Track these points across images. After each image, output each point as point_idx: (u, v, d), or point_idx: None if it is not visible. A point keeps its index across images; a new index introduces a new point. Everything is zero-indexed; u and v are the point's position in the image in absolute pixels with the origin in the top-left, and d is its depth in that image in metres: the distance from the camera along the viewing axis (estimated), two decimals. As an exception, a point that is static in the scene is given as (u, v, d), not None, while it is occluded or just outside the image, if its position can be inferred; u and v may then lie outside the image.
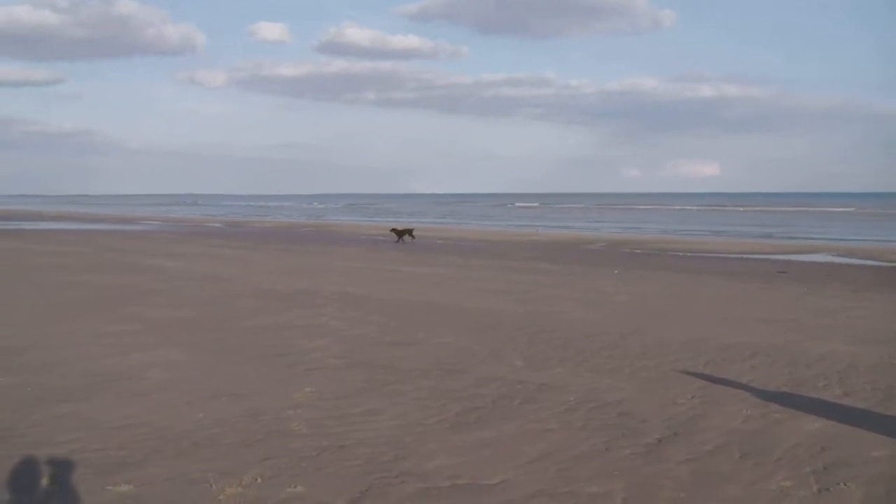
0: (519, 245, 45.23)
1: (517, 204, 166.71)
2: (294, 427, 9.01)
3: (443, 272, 27.35)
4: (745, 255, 37.94)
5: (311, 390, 10.64)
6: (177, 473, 7.50)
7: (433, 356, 12.92)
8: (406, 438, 8.64)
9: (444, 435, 8.81)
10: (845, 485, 7.32)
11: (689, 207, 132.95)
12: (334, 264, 30.51)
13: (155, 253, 35.55)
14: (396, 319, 16.56)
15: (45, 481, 7.38)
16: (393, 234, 47.11)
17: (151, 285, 22.47)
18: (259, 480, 7.31)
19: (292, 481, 7.31)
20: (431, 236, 52.62)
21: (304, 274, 26.17)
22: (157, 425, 9.05)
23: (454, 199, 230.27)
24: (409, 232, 47.03)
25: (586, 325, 15.83)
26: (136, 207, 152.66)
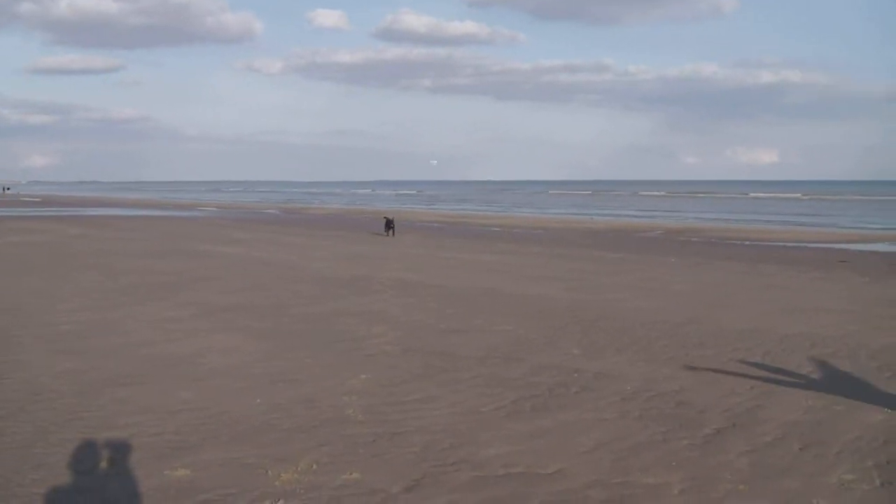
0: (575, 232, 45.04)
1: (569, 191, 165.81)
2: (350, 413, 9.03)
3: (499, 259, 27.30)
4: (804, 244, 37.45)
5: (367, 377, 10.66)
6: (233, 458, 7.55)
7: (489, 343, 12.89)
8: (461, 426, 8.63)
9: (499, 423, 8.78)
10: (908, 479, 7.19)
11: (747, 195, 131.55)
12: (390, 251, 30.59)
13: (212, 239, 35.88)
14: (453, 306, 16.56)
15: (104, 464, 7.46)
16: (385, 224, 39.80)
17: (209, 271, 22.68)
18: (315, 466, 7.34)
19: (348, 468, 7.32)
20: (487, 224, 52.57)
21: (361, 260, 26.28)
22: (214, 410, 9.12)
23: (510, 187, 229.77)
24: (391, 223, 39.41)
25: (643, 314, 15.71)
26: (193, 193, 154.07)
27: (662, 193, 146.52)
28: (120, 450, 7.75)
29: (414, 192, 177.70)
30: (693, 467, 7.46)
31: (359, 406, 9.31)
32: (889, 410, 9.25)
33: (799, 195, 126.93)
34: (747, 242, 38.49)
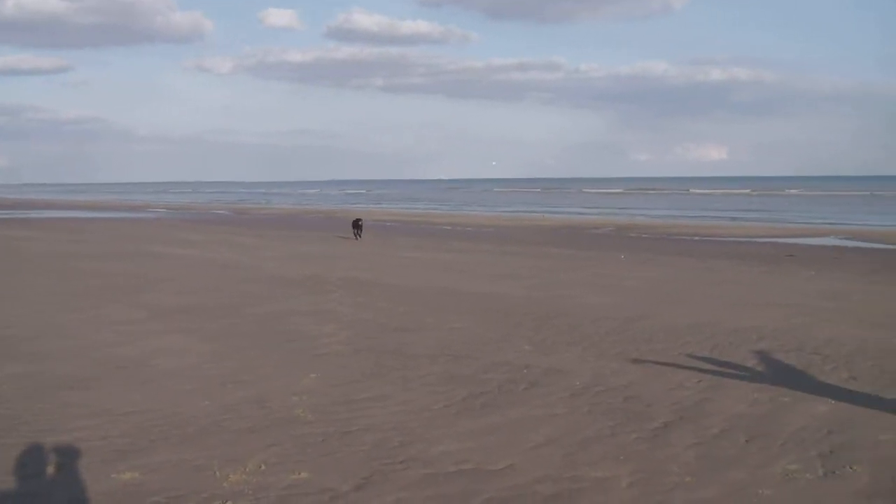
0: (526, 230, 45.22)
1: (516, 189, 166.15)
2: (300, 413, 9.00)
3: (451, 257, 27.35)
4: (752, 239, 37.86)
5: (317, 376, 10.64)
6: (182, 460, 7.50)
7: (440, 341, 12.91)
8: (412, 424, 8.64)
9: (450, 420, 8.80)
10: (851, 468, 7.30)
11: (697, 191, 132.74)
12: (341, 250, 30.54)
13: (163, 240, 35.60)
14: (404, 305, 16.56)
15: (51, 469, 7.38)
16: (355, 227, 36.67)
17: (159, 273, 22.51)
18: (264, 467, 7.31)
19: (297, 467, 7.30)
20: (438, 223, 52.64)
21: (312, 259, 26.21)
22: (164, 412, 9.05)
23: (463, 185, 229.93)
24: (359, 224, 36.68)
25: (593, 310, 15.81)
26: (144, 195, 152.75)
27: (620, 190, 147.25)
28: (67, 454, 7.68)
29: (363, 190, 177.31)
30: (641, 460, 7.52)
31: (309, 406, 9.28)
32: (833, 402, 9.38)
33: (748, 191, 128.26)
34: (697, 238, 38.85)
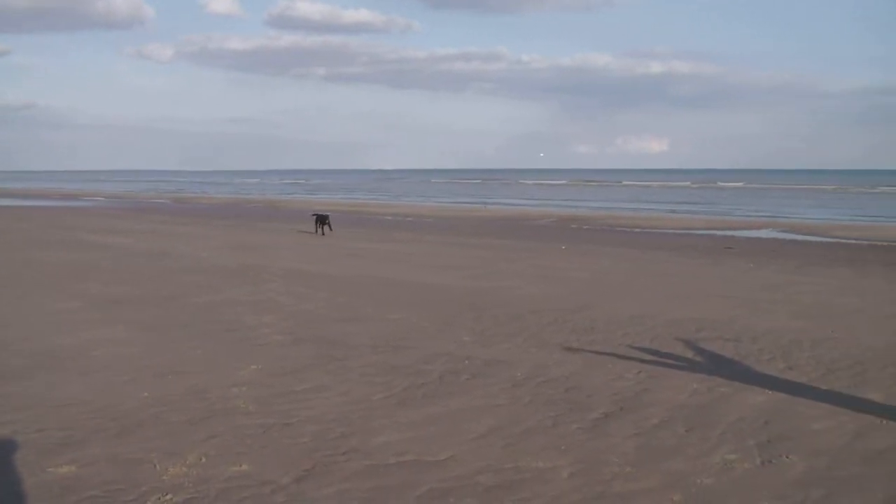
0: (468, 221, 45.27)
1: (466, 180, 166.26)
2: (240, 405, 8.92)
3: (391, 248, 27.30)
4: (692, 231, 38.27)
5: (257, 367, 10.55)
6: (120, 453, 7.40)
7: (381, 332, 12.87)
8: (352, 415, 8.60)
9: (390, 411, 8.77)
10: (788, 457, 7.40)
11: (635, 184, 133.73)
12: (282, 240, 30.37)
13: (101, 229, 35.15)
14: (344, 295, 16.50)
15: (-17, 462, 7.25)
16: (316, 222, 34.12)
17: (97, 262, 22.20)
18: (203, 459, 7.24)
19: (237, 459, 7.24)
20: (380, 213, 52.54)
21: (252, 250, 26.02)
22: (101, 404, 8.91)
23: (403, 175, 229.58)
24: (326, 220, 33.73)
25: (534, 301, 15.86)
26: (81, 183, 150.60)
27: (563, 182, 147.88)
28: (2, 447, 7.53)
29: (302, 180, 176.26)
30: (582, 451, 7.55)
31: (249, 397, 9.21)
32: (770, 392, 9.50)
33: (689, 183, 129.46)
34: (637, 230, 39.16)
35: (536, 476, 6.94)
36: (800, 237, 35.49)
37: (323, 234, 32.78)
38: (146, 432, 8.00)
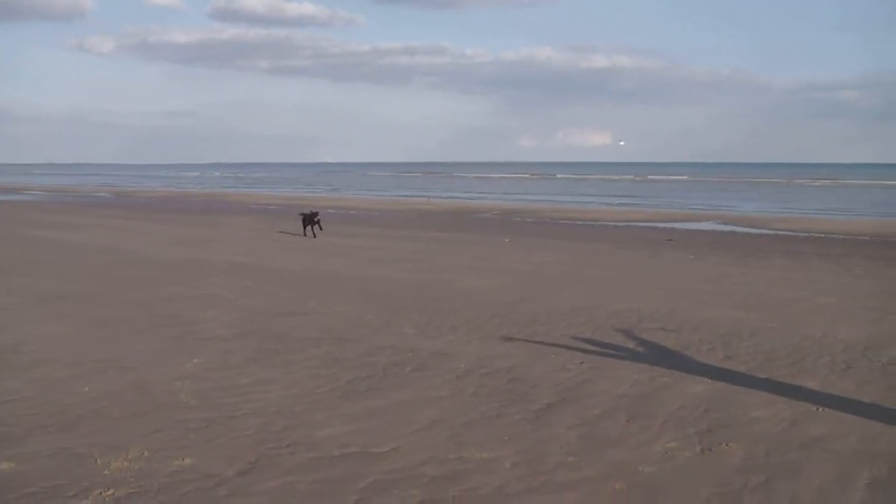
0: (412, 214, 45.25)
1: (410, 173, 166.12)
2: (183, 399, 8.89)
3: (336, 241, 27.22)
4: (634, 224, 38.57)
5: (200, 361, 10.51)
6: (61, 449, 7.34)
7: (325, 325, 12.87)
8: (296, 408, 8.60)
9: (334, 404, 8.79)
10: (727, 445, 7.54)
11: (580, 176, 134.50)
12: (226, 234, 30.17)
13: (41, 224, 34.66)
14: (288, 289, 16.46)
15: (-78, 459, 7.16)
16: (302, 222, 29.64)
17: (38, 257, 21.92)
18: (146, 454, 7.20)
19: (180, 454, 7.21)
20: (324, 206, 52.38)
21: (196, 244, 25.82)
22: (41, 400, 8.83)
23: (347, 168, 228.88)
24: (314, 219, 29.27)
25: (478, 293, 15.93)
26: (20, 176, 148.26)
27: (505, 175, 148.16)
28: (-61, 443, 7.45)
29: (242, 174, 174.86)
30: (525, 441, 7.63)
31: (192, 391, 9.17)
32: (710, 381, 9.64)
33: (631, 176, 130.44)
34: (580, 222, 39.39)
35: (480, 466, 7.00)
36: (740, 229, 35.88)
37: (314, 235, 28.56)
38: (88, 427, 7.95)
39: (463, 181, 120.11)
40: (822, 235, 32.36)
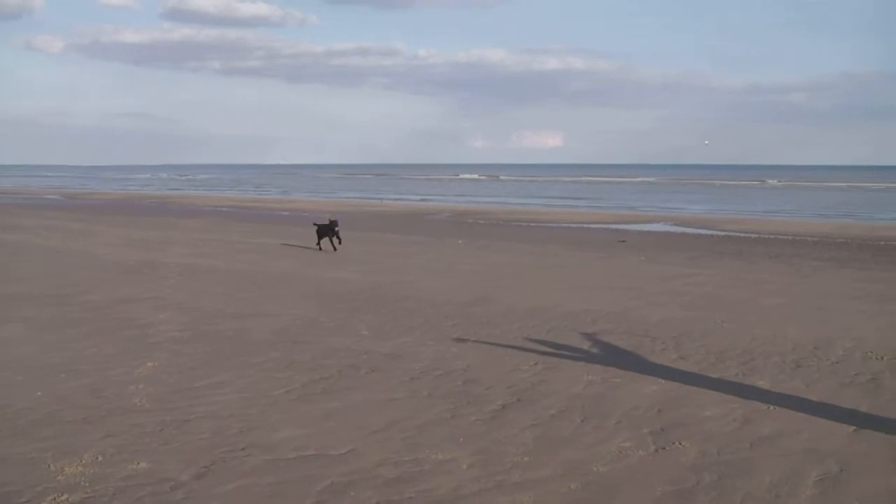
0: (366, 216, 45.17)
1: (363, 175, 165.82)
2: (137, 402, 8.84)
3: (289, 243, 27.12)
4: (587, 225, 38.81)
5: (154, 364, 10.45)
6: (13, 454, 7.27)
7: (280, 327, 12.84)
8: (251, 411, 8.59)
9: (290, 406, 8.78)
10: (680, 444, 7.64)
11: (533, 178, 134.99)
12: (179, 236, 29.95)
13: (-12, 226, 34.19)
14: (243, 291, 16.39)
15: None
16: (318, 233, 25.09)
17: (-16, 260, 21.65)
18: (100, 458, 7.16)
19: (135, 458, 7.18)
20: (277, 208, 52.18)
21: (148, 246, 25.61)
22: (-7, 404, 8.75)
23: (299, 170, 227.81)
24: (333, 229, 24.53)
25: (432, 295, 15.96)
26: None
27: (458, 176, 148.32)
28: None
29: (193, 175, 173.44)
30: (480, 442, 7.68)
31: (146, 394, 9.12)
32: (663, 381, 9.75)
33: (584, 178, 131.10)
34: (533, 224, 39.54)
35: (436, 468, 7.04)
36: (691, 230, 36.22)
37: (334, 248, 24.11)
38: (40, 432, 7.88)
39: (415, 183, 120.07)
40: (772, 236, 32.73)
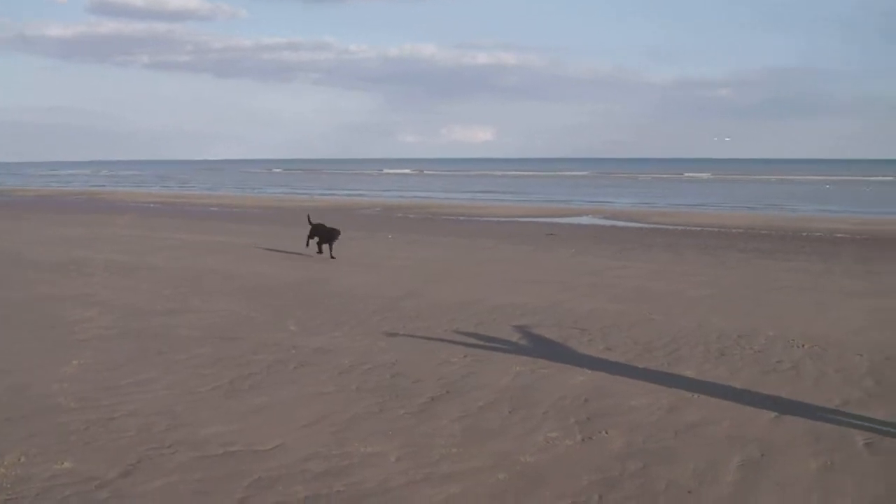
0: (295, 211, 44.90)
1: (293, 170, 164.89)
2: (62, 401, 8.72)
3: (218, 239, 26.91)
4: (516, 219, 38.99)
5: (79, 362, 10.31)
6: (-66, 453, 7.16)
7: (207, 323, 12.75)
8: (178, 407, 8.52)
9: (217, 402, 8.73)
10: (606, 433, 7.74)
11: (464, 172, 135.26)
12: (106, 233, 29.55)
13: None
14: (169, 287, 16.23)
15: None
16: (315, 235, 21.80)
17: None
18: (23, 459, 7.05)
19: (59, 457, 7.09)
20: (206, 203, 51.73)
21: (73, 242, 25.22)
22: (-88, 404, 8.58)
23: (228, 165, 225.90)
24: (330, 233, 21.46)
25: (361, 289, 15.95)
26: None
27: (389, 171, 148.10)
28: None
29: (117, 171, 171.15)
30: (409, 435, 7.70)
31: (71, 393, 9.00)
32: (591, 372, 9.86)
33: (514, 172, 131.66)
34: (462, 218, 39.61)
35: (364, 461, 7.05)
36: (621, 223, 36.59)
37: (333, 256, 21.23)
38: (-38, 432, 7.75)
39: (346, 177, 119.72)
40: (699, 228, 33.17)
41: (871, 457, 7.26)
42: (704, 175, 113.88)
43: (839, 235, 30.30)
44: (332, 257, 21.11)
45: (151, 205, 50.52)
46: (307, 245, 21.67)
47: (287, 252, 22.73)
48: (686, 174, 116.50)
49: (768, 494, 6.46)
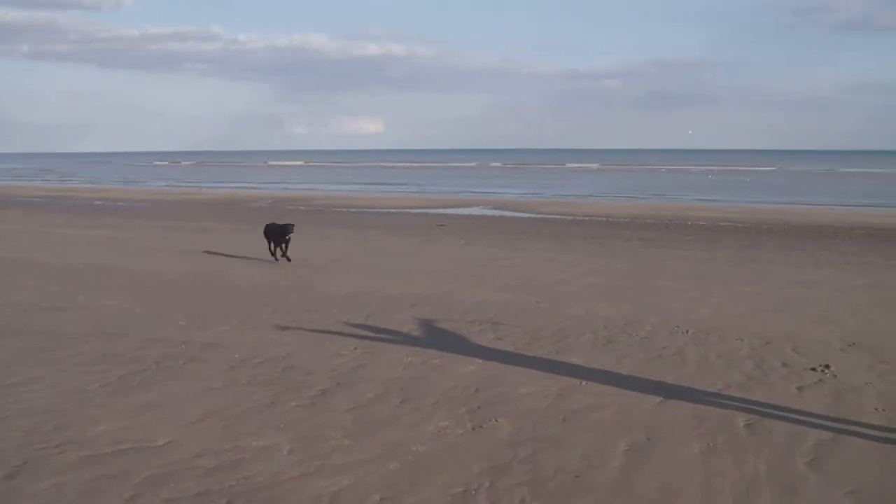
0: (183, 205, 44.36)
1: (181, 162, 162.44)
2: (-58, 402, 8.53)
3: (104, 234, 26.47)
4: (406, 210, 39.12)
5: (-40, 362, 10.08)
6: None
7: (94, 320, 12.54)
8: (66, 406, 8.39)
9: (106, 400, 8.62)
10: (496, 421, 7.88)
11: (353, 164, 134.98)
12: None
13: None
14: (54, 283, 15.90)
15: None
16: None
17: None
18: None
19: (-58, 459, 6.95)
20: (90, 197, 50.70)
21: (-50, 240, 24.53)
22: None
23: (115, 158, 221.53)
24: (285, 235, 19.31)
25: (250, 283, 15.88)
26: None
27: (278, 163, 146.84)
28: None
29: (13, 165, 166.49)
30: (301, 427, 7.73)
31: (-48, 394, 8.81)
32: (481, 361, 10.00)
33: (404, 164, 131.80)
34: (352, 210, 39.61)
35: (256, 455, 7.05)
36: (510, 214, 36.99)
37: (288, 258, 19.32)
38: None
39: (235, 170, 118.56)
40: (587, 218, 33.75)
41: (751, 437, 7.54)
42: (593, 165, 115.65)
43: (722, 224, 31.16)
44: (288, 259, 19.22)
45: (34, 199, 49.30)
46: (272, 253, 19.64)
47: (173, 246, 22.46)
48: (567, 164, 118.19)
49: (653, 477, 6.66)
